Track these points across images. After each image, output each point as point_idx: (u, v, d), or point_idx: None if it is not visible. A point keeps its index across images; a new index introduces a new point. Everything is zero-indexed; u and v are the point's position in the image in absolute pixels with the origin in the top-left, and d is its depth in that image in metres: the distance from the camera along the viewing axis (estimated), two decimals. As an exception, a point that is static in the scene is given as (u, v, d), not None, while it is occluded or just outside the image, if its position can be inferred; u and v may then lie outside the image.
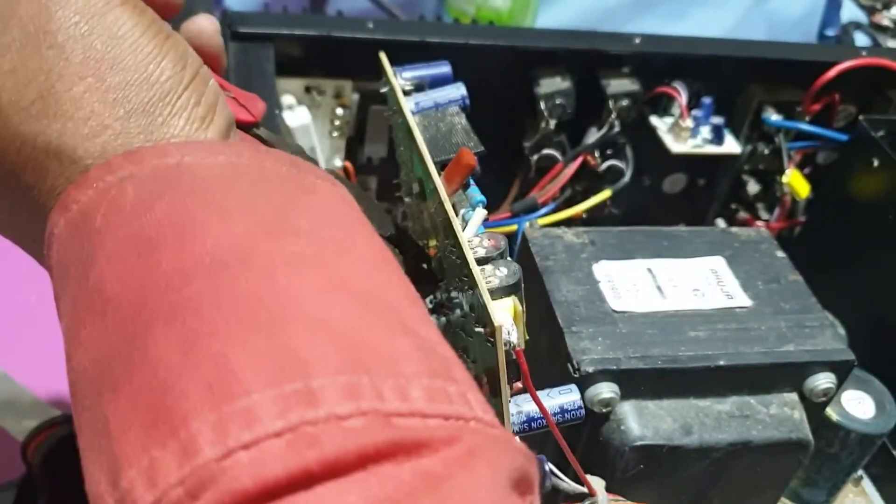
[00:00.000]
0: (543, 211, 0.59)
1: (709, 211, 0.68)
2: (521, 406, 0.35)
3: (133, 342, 0.22)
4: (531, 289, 0.47)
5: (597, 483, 0.39)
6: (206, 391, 0.20)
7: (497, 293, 0.33)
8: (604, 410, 0.42)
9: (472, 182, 0.37)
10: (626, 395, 0.42)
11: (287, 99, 0.54)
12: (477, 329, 0.32)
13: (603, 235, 0.49)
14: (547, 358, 0.45)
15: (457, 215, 0.37)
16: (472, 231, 0.35)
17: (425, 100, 0.44)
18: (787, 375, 0.45)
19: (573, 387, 0.36)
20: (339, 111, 0.56)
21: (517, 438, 0.32)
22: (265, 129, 0.38)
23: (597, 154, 0.60)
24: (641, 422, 0.42)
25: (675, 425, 0.43)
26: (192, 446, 0.19)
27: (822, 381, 0.45)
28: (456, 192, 0.37)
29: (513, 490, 0.22)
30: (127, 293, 0.23)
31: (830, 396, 0.46)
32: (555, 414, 0.35)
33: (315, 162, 0.40)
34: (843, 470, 0.54)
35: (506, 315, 0.32)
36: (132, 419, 0.20)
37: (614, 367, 0.42)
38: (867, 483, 0.58)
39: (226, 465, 0.19)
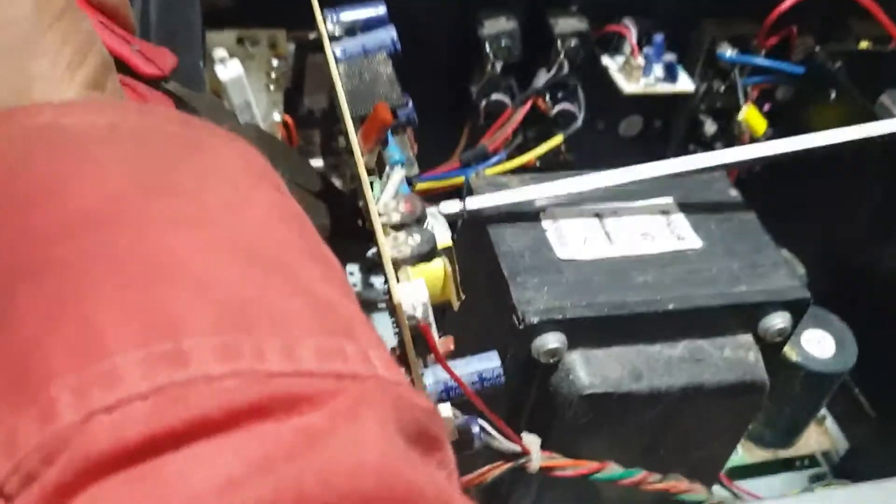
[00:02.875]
0: (494, 160, 0.57)
1: (666, 154, 0.66)
2: (438, 375, 0.33)
3: None
4: (477, 240, 0.45)
5: (531, 441, 0.38)
6: (69, 353, 0.19)
7: (410, 261, 0.32)
8: (551, 361, 0.41)
9: (390, 139, 0.35)
10: (573, 344, 0.41)
11: (218, 52, 0.52)
12: (380, 305, 0.31)
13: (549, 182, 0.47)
14: (493, 310, 0.44)
15: (381, 175, 0.36)
16: (391, 193, 0.33)
17: (353, 45, 0.42)
18: (739, 317, 0.43)
19: (493, 353, 0.35)
20: (275, 62, 0.54)
21: (425, 396, 0.31)
22: (176, 84, 0.36)
23: (547, 97, 0.58)
24: (590, 370, 0.41)
25: (624, 372, 0.41)
26: (52, 411, 0.18)
27: (777, 321, 0.43)
28: (373, 149, 0.35)
29: (411, 445, 0.20)
30: None
31: (786, 336, 0.44)
32: (473, 382, 0.34)
33: (234, 116, 0.38)
34: (805, 410, 0.54)
35: (418, 286, 0.30)
36: None
37: (560, 317, 0.40)
38: (830, 422, 0.57)
39: (84, 429, 0.18)
